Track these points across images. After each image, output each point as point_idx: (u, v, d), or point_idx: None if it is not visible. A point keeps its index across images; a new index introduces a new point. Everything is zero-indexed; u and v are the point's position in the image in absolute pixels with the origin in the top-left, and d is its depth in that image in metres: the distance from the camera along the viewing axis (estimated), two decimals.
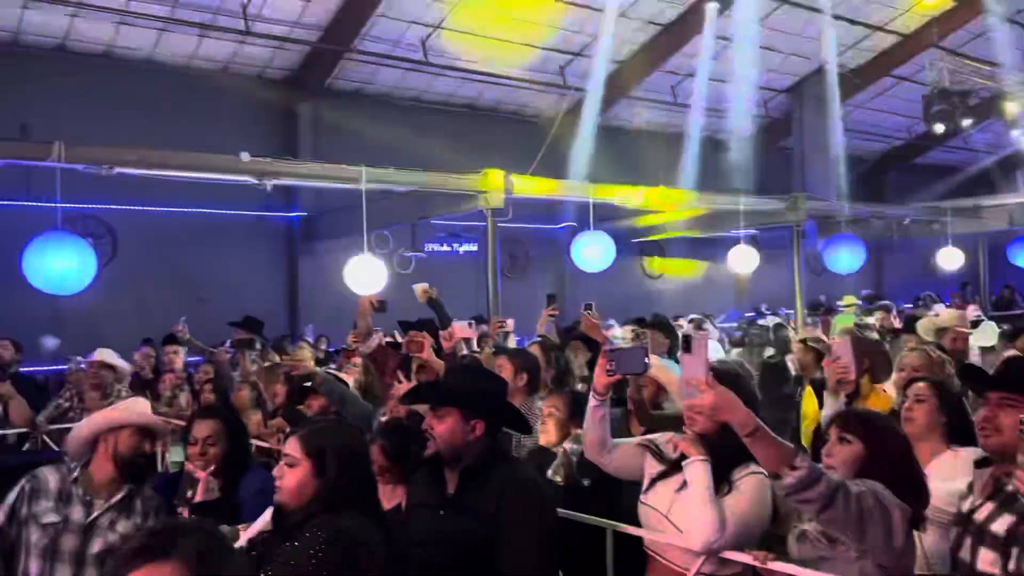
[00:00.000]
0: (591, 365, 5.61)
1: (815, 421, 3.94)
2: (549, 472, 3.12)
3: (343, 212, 11.08)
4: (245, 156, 7.83)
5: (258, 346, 6.68)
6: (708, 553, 2.55)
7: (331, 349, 9.56)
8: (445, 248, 14.04)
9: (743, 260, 11.88)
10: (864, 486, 2.30)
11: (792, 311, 12.06)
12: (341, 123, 12.94)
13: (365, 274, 7.99)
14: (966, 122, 13.54)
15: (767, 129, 16.88)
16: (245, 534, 2.93)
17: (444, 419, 2.55)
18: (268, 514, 2.50)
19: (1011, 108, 13.36)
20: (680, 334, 2.33)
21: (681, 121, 15.42)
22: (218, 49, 11.90)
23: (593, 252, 10.15)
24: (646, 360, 2.66)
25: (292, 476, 2.25)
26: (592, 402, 2.79)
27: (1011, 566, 2.17)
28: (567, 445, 3.17)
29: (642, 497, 2.83)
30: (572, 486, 3.23)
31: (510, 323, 6.38)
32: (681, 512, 2.64)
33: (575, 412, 3.38)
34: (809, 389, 4.30)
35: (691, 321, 9.28)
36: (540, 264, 15.46)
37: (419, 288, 5.84)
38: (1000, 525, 2.24)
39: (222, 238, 11.97)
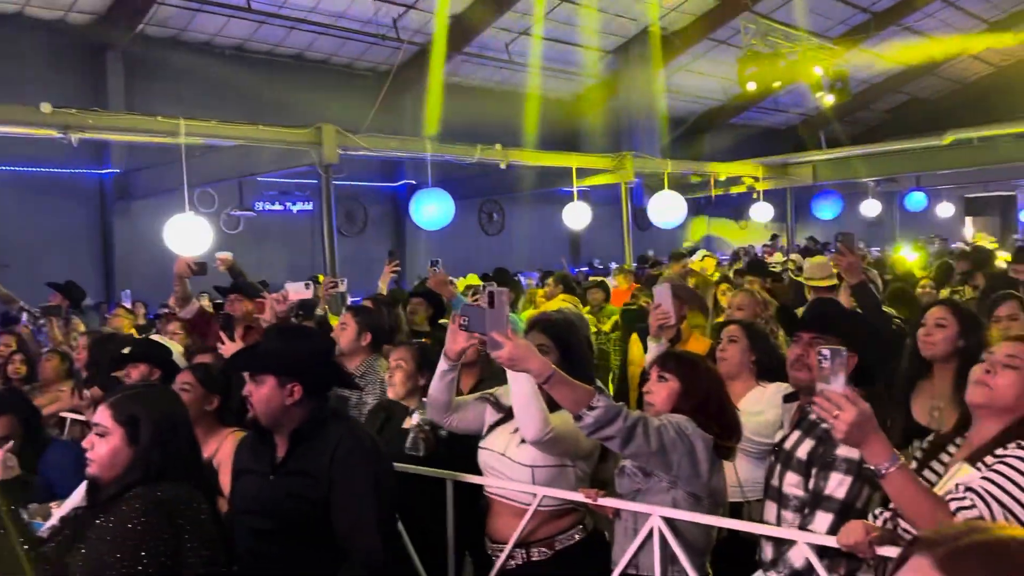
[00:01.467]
0: (432, 321, 5.64)
1: (641, 366, 4.15)
2: (407, 447, 3.11)
3: (161, 168, 10.39)
4: (46, 107, 7.20)
5: (64, 314, 6.26)
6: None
7: (151, 315, 9.01)
8: (277, 207, 13.53)
9: (576, 216, 12.23)
10: (667, 420, 2.47)
11: (622, 264, 12.58)
12: (156, 73, 12.07)
13: (187, 234, 7.55)
14: (776, 84, 14.50)
15: (597, 89, 17.30)
16: (57, 512, 2.73)
17: (261, 386, 2.46)
18: (82, 489, 2.33)
19: (815, 71, 14.39)
20: (486, 290, 2.37)
21: (515, 79, 15.54)
22: None
23: (432, 210, 10.07)
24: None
25: (103, 446, 2.10)
26: (443, 366, 2.80)
27: (811, 485, 2.38)
28: (416, 418, 3.16)
29: (481, 443, 2.92)
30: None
31: (343, 283, 6.24)
32: (517, 450, 2.74)
33: (422, 364, 3.41)
34: (635, 336, 4.52)
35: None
36: (379, 222, 15.23)
37: (221, 256, 5.94)
38: (803, 450, 2.46)
39: (23, 198, 11.00)
